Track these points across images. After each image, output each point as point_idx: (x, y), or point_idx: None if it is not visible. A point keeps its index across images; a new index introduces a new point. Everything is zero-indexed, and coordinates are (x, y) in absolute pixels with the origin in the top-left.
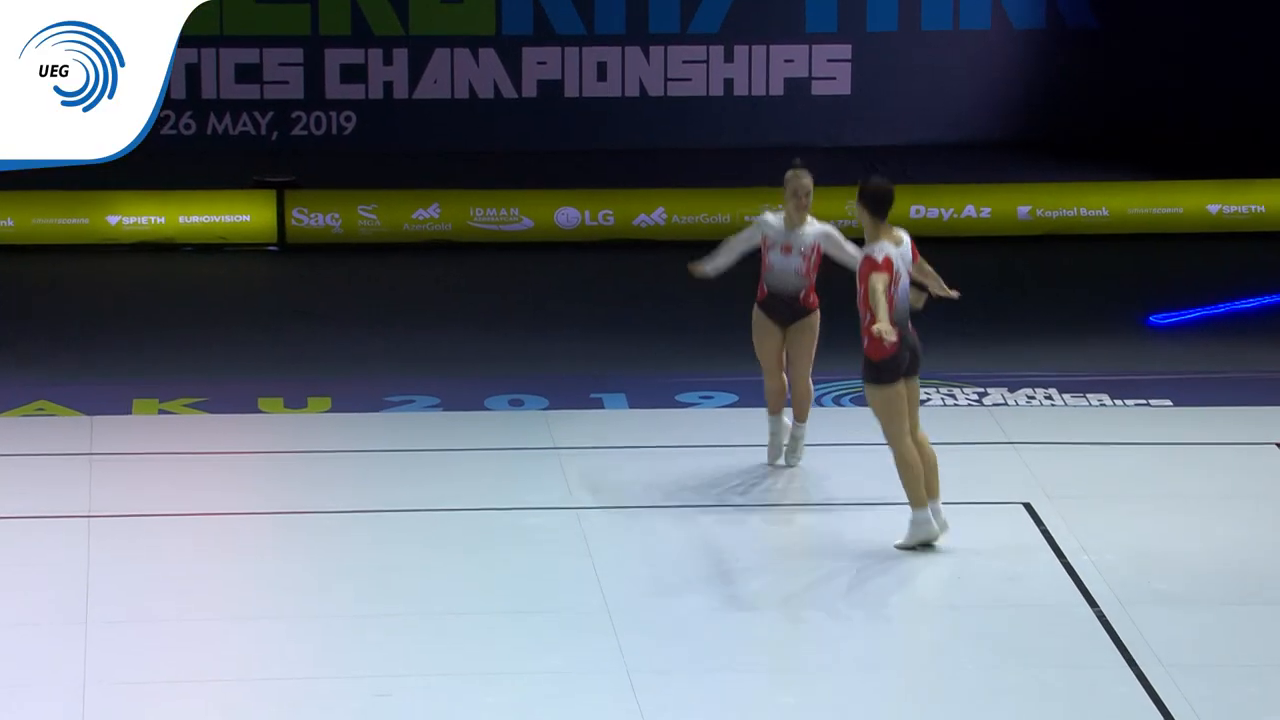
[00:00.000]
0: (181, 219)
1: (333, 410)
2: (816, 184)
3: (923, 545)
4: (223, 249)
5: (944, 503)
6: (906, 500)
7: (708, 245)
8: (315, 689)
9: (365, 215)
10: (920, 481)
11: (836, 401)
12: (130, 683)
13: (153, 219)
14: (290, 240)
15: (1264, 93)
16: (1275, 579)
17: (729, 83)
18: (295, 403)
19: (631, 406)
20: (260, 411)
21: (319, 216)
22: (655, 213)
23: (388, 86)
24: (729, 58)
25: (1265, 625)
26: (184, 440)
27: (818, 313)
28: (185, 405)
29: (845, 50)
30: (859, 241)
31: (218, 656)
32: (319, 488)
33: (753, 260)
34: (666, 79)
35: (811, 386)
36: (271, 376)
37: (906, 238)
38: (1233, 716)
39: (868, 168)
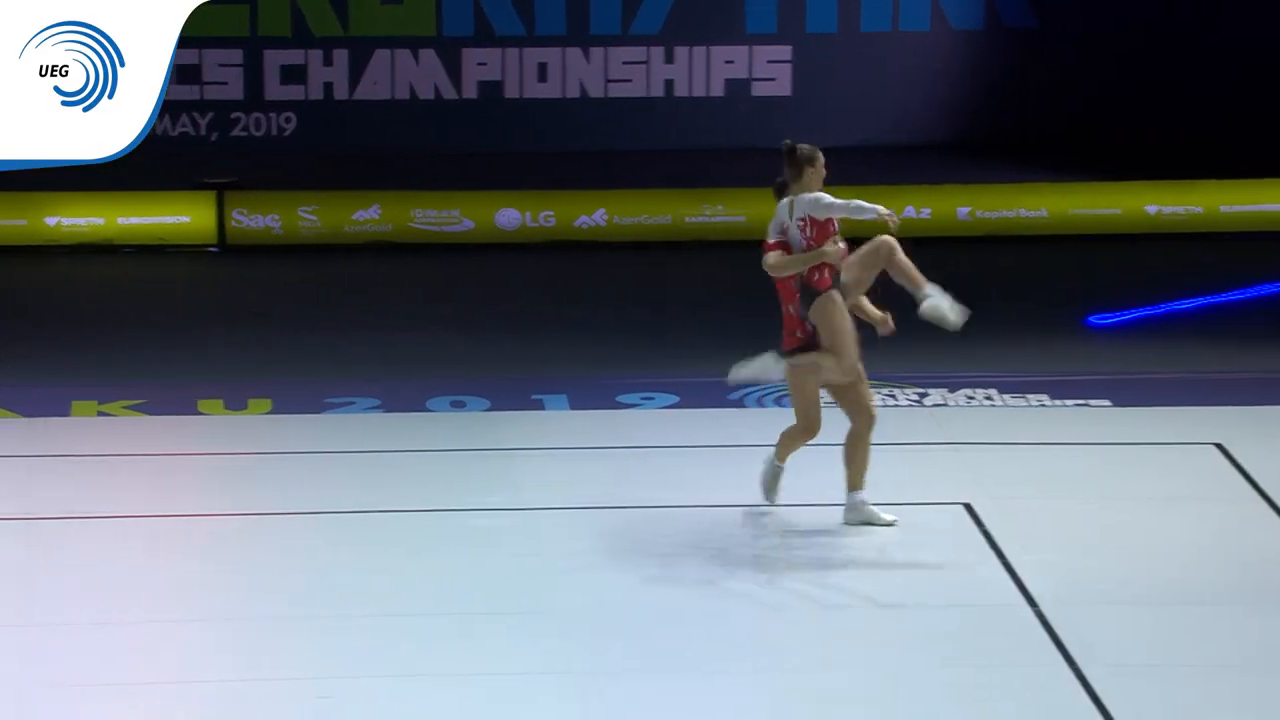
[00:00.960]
0: (121, 220)
1: (273, 412)
2: (757, 186)
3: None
4: (163, 250)
5: (883, 503)
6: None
7: (649, 246)
8: (256, 691)
9: (306, 216)
10: (863, 463)
11: (777, 403)
12: (67, 685)
13: (92, 220)
14: (230, 241)
15: (1202, 93)
16: (1214, 580)
17: (669, 84)
18: (235, 404)
19: (573, 407)
20: (200, 413)
21: (259, 218)
22: (596, 214)
23: (328, 87)
24: (669, 59)
25: (1205, 626)
26: (123, 443)
27: (828, 293)
28: (124, 407)
29: (785, 51)
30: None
31: (156, 660)
32: (259, 490)
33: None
34: (607, 80)
35: None
36: (211, 378)
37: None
38: (1172, 717)
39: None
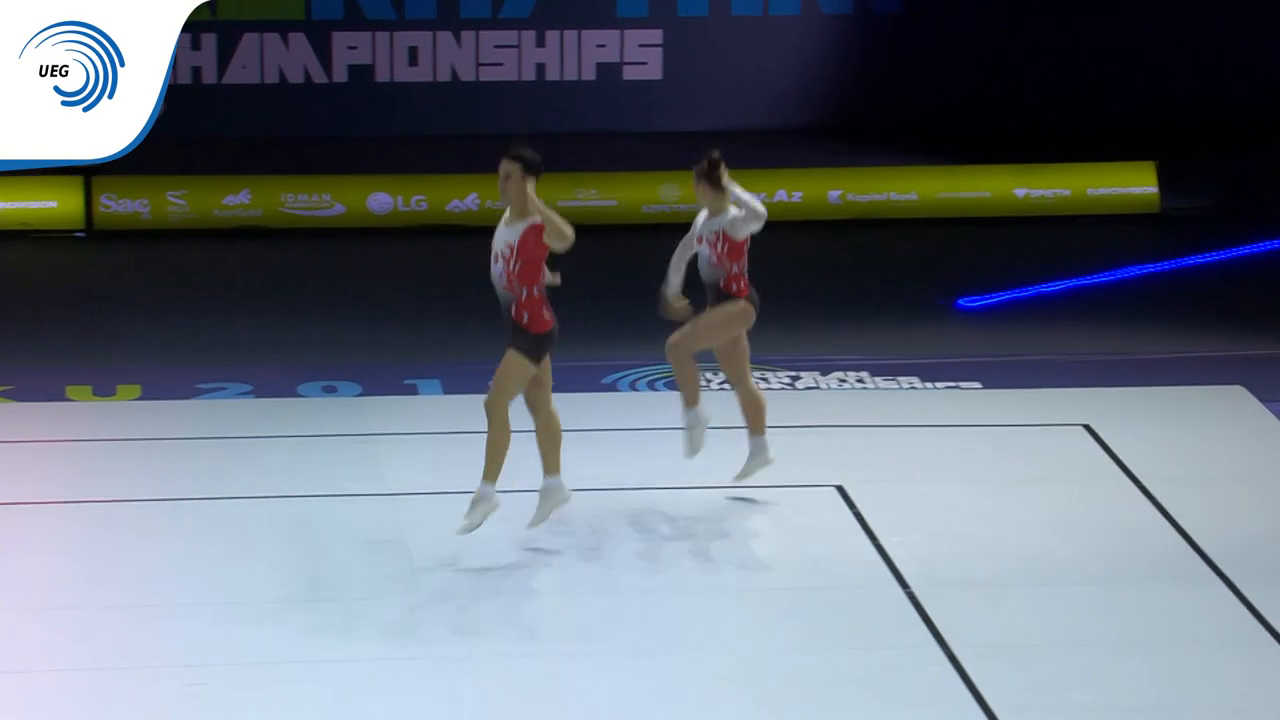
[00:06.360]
0: None
1: (143, 398)
2: (630, 170)
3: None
4: (29, 236)
5: (756, 485)
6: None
7: None
8: (126, 680)
9: (174, 201)
10: (503, 457)
11: (650, 386)
12: None
13: None
14: (98, 226)
15: (1070, 76)
16: (1082, 560)
17: (541, 68)
18: (104, 390)
19: (446, 392)
20: (69, 399)
21: (127, 203)
22: (468, 198)
23: (196, 72)
24: (541, 43)
25: (1070, 606)
26: None
27: (737, 300)
28: None
29: (657, 35)
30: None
31: (24, 649)
32: (129, 477)
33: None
34: (478, 64)
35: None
36: (80, 364)
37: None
38: (1038, 695)
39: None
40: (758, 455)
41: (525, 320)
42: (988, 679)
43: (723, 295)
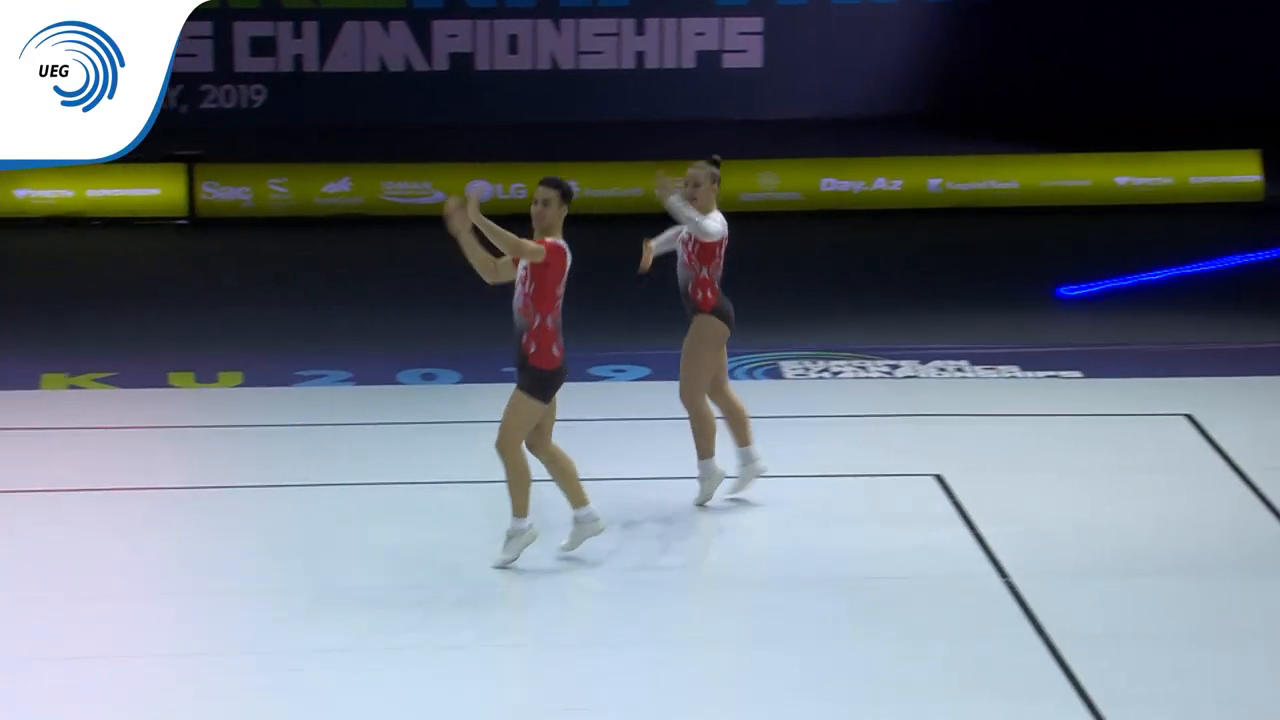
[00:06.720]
0: (90, 193)
1: (244, 385)
2: (728, 158)
3: (520, 550)
4: (132, 223)
5: (855, 475)
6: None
7: (619, 219)
8: (227, 664)
9: (276, 189)
10: (528, 491)
11: (749, 375)
12: (32, 659)
13: (61, 193)
14: (200, 214)
15: (1172, 65)
16: (1183, 551)
17: (640, 55)
18: (206, 377)
19: None
20: (171, 386)
21: (229, 190)
22: None
23: (298, 59)
24: (640, 31)
25: (1172, 597)
26: (93, 415)
27: (702, 316)
28: (95, 380)
29: (757, 23)
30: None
31: (126, 634)
32: (230, 463)
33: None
34: (578, 52)
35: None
36: (182, 351)
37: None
38: (1138, 686)
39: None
40: (748, 465)
41: (533, 350)
42: (1088, 670)
43: (692, 305)
